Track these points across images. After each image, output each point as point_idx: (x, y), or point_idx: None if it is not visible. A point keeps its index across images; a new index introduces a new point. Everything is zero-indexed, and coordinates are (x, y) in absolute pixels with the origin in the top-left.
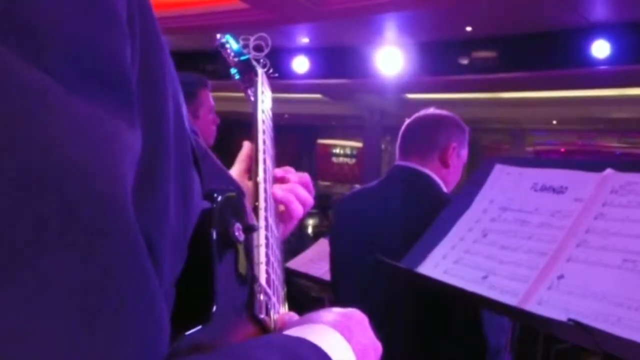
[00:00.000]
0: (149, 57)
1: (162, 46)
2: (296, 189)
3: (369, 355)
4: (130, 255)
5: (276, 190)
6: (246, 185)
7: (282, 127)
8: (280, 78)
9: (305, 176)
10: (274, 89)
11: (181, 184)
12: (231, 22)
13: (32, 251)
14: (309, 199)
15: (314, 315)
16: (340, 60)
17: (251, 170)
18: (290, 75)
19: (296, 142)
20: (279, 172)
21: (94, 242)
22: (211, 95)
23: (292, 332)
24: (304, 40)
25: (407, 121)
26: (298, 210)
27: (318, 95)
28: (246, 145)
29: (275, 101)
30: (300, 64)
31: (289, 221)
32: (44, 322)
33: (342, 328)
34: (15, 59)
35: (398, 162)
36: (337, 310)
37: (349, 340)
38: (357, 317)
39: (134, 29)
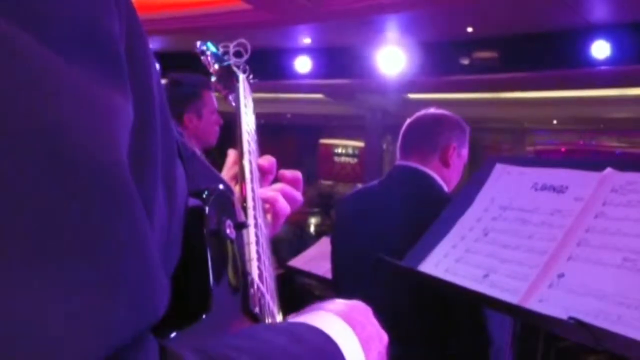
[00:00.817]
0: (133, 42)
1: (145, 37)
2: (283, 188)
3: (373, 342)
4: (128, 211)
5: (263, 190)
6: (235, 190)
7: (284, 127)
8: (282, 78)
9: (296, 173)
10: (277, 89)
11: (166, 171)
12: (233, 23)
13: (31, 203)
14: (298, 197)
15: (316, 305)
16: (342, 61)
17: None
18: (293, 75)
19: (298, 141)
20: (264, 162)
21: (91, 200)
22: (214, 96)
23: (296, 319)
24: (306, 40)
25: (408, 121)
26: (284, 208)
27: (320, 96)
28: (231, 153)
29: (277, 101)
30: (302, 65)
31: (275, 219)
32: (39, 273)
33: (346, 316)
34: (15, 31)
35: (399, 161)
36: (340, 300)
37: (352, 327)
38: (360, 307)
39: (121, 12)
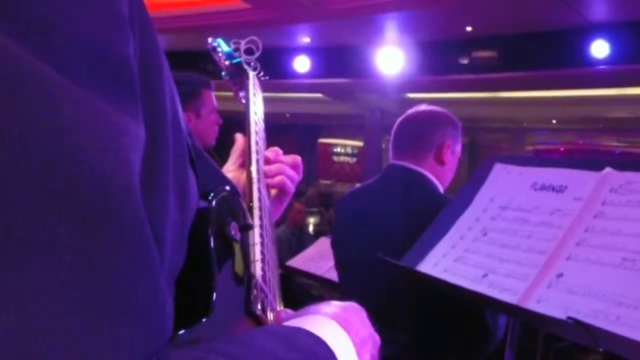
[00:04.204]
0: (147, 56)
1: (159, 47)
2: (284, 168)
3: (367, 345)
4: (137, 237)
5: (268, 168)
6: (242, 179)
7: (283, 126)
8: (282, 77)
9: (296, 158)
10: (276, 88)
11: (179, 180)
12: (232, 22)
13: (39, 229)
14: (296, 176)
15: (312, 307)
16: (341, 60)
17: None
18: (292, 74)
19: (297, 141)
20: (270, 154)
21: (101, 223)
22: (214, 95)
23: (291, 323)
24: (305, 39)
25: (400, 119)
26: (290, 185)
27: (319, 95)
28: (239, 139)
29: (276, 100)
30: (302, 64)
31: (284, 197)
32: (48, 302)
33: (340, 319)
34: (23, 51)
35: (392, 161)
36: (335, 303)
37: (347, 330)
38: (355, 309)
39: (134, 28)
